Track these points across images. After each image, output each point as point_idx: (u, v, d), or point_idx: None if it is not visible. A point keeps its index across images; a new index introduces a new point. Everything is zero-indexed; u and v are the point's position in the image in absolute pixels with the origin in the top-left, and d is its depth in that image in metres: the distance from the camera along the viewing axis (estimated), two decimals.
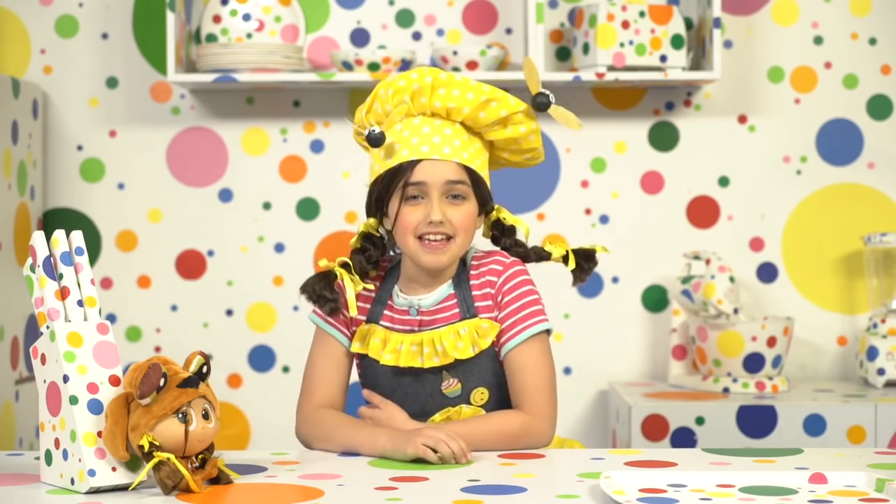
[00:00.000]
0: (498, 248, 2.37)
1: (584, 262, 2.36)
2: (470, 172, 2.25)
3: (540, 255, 2.35)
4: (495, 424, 2.22)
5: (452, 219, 2.24)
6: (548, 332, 2.30)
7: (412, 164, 2.23)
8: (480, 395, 2.28)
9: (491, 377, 2.28)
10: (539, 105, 2.25)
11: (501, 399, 2.30)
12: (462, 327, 2.26)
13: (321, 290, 2.27)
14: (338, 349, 2.34)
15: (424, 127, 2.25)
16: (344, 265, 2.30)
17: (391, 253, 2.39)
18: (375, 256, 2.33)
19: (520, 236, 2.37)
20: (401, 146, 2.24)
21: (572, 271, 2.35)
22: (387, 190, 2.25)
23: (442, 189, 2.23)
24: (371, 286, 2.33)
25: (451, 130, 2.25)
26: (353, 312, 2.28)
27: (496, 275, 2.29)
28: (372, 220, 2.31)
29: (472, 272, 2.31)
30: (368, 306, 2.33)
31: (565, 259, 2.35)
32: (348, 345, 2.34)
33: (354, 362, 2.37)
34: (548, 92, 2.25)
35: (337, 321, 2.33)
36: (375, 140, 2.22)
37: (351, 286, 2.28)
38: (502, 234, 2.36)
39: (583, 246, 2.38)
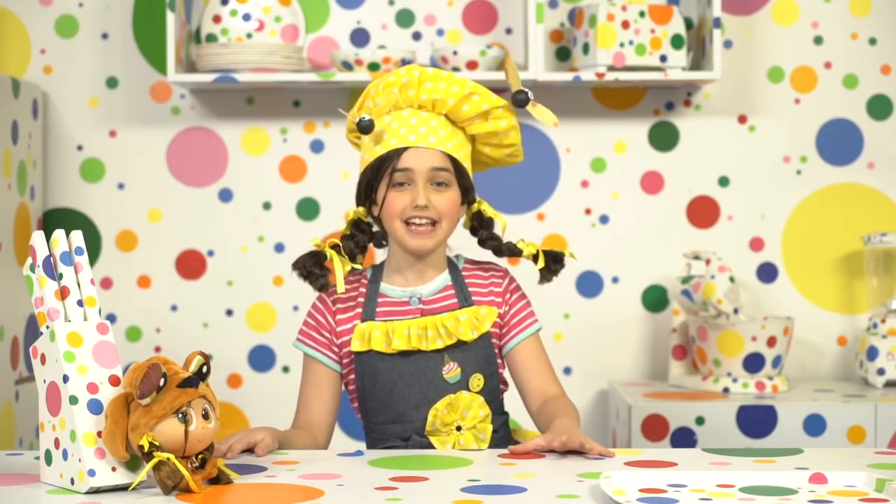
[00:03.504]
0: (489, 261, 2.50)
1: (552, 262, 2.47)
2: (453, 161, 2.38)
3: (512, 250, 2.47)
4: (575, 411, 2.35)
5: (437, 204, 2.36)
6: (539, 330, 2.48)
7: (399, 152, 2.36)
8: (477, 381, 2.39)
9: (486, 365, 2.40)
10: (518, 101, 2.39)
11: (493, 387, 2.42)
12: (461, 314, 2.38)
13: (311, 266, 2.39)
14: (321, 372, 2.44)
15: (412, 118, 2.38)
16: (334, 247, 2.41)
17: (376, 251, 2.54)
18: (364, 242, 2.45)
19: (497, 230, 2.49)
20: (389, 135, 2.37)
21: (540, 270, 2.46)
22: (375, 177, 2.38)
23: (427, 176, 2.36)
24: (359, 266, 2.43)
25: (437, 122, 2.39)
26: (341, 289, 2.36)
27: (501, 278, 2.46)
28: (361, 209, 2.44)
29: (467, 273, 2.45)
30: (360, 310, 2.41)
31: (535, 258, 2.46)
32: (332, 364, 2.43)
33: (345, 372, 2.44)
34: (527, 90, 2.38)
35: (319, 345, 2.43)
36: (365, 127, 2.36)
37: (340, 266, 2.38)
38: (481, 226, 2.48)
39: (553, 249, 2.49)
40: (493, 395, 2.41)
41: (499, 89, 2.47)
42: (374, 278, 2.44)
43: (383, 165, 2.36)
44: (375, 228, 2.46)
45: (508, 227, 2.53)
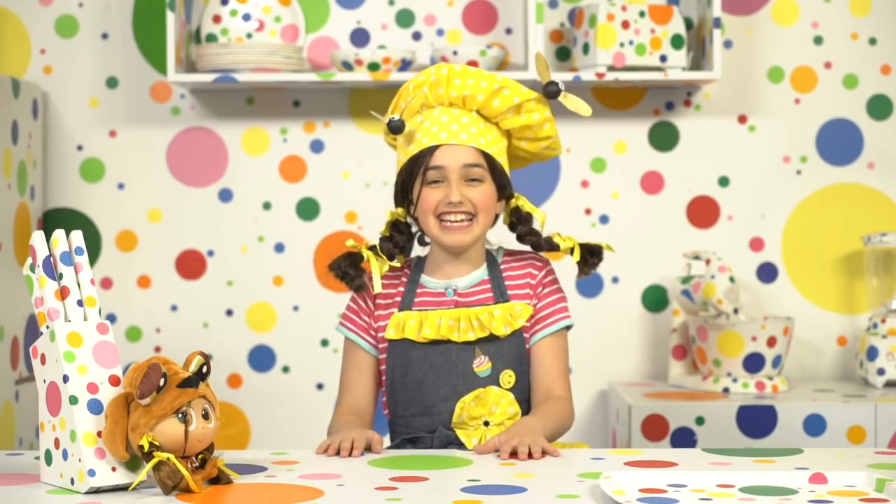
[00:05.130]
0: (530, 250, 2.49)
1: (589, 256, 2.47)
2: (486, 157, 2.39)
3: (551, 245, 2.47)
4: (558, 413, 2.34)
5: (472, 198, 2.37)
6: (569, 328, 2.46)
7: (431, 150, 2.37)
8: (508, 377, 2.39)
9: (518, 363, 2.40)
10: (550, 93, 2.39)
11: (524, 386, 2.41)
12: (496, 309, 2.38)
13: (346, 267, 2.42)
14: (362, 356, 2.45)
15: (443, 116, 2.39)
16: (371, 248, 2.43)
17: (417, 251, 2.52)
18: (402, 242, 2.46)
19: (535, 225, 2.49)
20: (422, 134, 2.38)
21: (577, 263, 2.46)
22: (410, 176, 2.39)
23: (460, 172, 2.37)
24: (397, 264, 2.45)
25: (468, 118, 2.39)
26: (378, 289, 2.39)
27: (538, 269, 2.45)
28: (399, 209, 2.45)
29: (505, 266, 2.45)
30: (399, 299, 2.43)
31: (572, 252, 2.46)
32: (370, 349, 2.45)
33: (381, 359, 2.45)
34: (558, 81, 2.39)
35: (359, 328, 2.45)
36: (395, 127, 2.37)
37: (377, 266, 2.41)
38: (519, 222, 2.49)
39: (590, 241, 2.48)
40: (523, 394, 2.41)
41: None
42: (415, 271, 2.46)
43: (416, 164, 2.38)
44: (415, 229, 2.47)
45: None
